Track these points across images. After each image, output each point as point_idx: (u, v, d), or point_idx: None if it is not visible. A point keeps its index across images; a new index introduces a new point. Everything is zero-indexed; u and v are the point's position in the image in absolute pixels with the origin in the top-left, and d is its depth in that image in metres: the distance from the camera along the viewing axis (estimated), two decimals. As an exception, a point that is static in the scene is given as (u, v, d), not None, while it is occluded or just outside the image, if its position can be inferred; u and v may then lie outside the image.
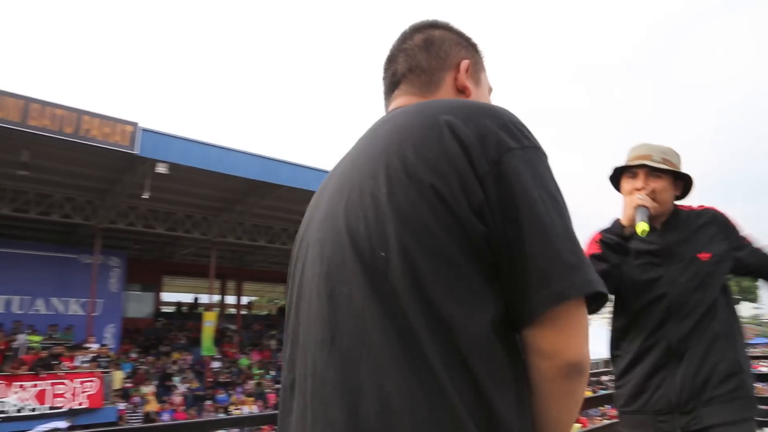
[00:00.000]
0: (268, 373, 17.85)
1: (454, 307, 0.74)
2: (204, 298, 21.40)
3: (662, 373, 1.88)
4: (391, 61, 1.06)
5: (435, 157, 0.79)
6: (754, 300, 53.98)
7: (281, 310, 25.20)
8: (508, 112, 0.85)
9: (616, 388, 2.03)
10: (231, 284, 23.29)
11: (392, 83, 1.05)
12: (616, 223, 1.98)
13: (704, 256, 1.90)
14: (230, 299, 24.34)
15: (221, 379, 16.38)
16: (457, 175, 0.77)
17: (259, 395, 16.17)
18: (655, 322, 1.90)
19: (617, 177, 2.06)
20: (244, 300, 24.46)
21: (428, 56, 1.02)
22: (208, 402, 14.76)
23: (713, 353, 1.83)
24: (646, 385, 1.90)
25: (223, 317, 21.63)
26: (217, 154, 12.89)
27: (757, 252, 1.97)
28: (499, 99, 1.12)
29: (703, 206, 2.04)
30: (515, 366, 0.77)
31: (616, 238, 1.93)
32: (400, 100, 1.03)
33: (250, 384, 16.69)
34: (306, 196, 14.69)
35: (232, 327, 20.51)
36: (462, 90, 1.02)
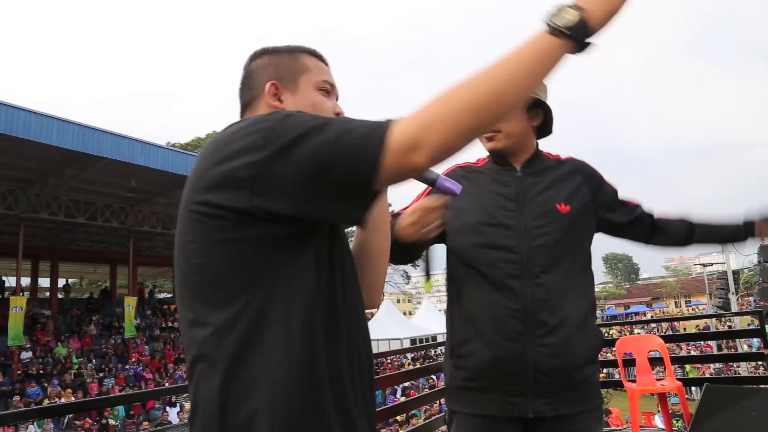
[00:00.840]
0: (90, 362, 16.46)
1: None
2: (11, 281, 19.04)
3: (516, 345, 1.58)
4: (240, 90, 1.21)
5: None
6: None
7: (104, 292, 23.30)
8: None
9: (454, 359, 1.71)
10: (44, 265, 20.93)
11: (242, 113, 1.20)
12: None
13: (563, 207, 1.66)
14: (44, 282, 21.93)
15: (33, 371, 14.76)
16: None
17: (79, 386, 14.85)
18: (505, 285, 1.61)
19: None
20: (61, 282, 22.14)
21: (249, 91, 1.18)
22: (17, 398, 13.23)
23: (572, 325, 1.59)
24: (497, 359, 1.59)
25: (36, 302, 19.49)
26: (25, 119, 11.38)
27: (627, 205, 1.83)
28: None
29: (570, 157, 1.82)
30: None
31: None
32: None
33: (69, 374, 15.26)
34: (131, 170, 13.75)
35: (46, 312, 18.52)
36: (273, 106, 1.14)
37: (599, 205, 1.75)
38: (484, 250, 1.65)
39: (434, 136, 0.84)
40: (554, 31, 0.85)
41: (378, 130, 0.87)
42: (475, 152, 1.80)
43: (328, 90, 1.20)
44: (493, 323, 1.60)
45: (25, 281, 22.12)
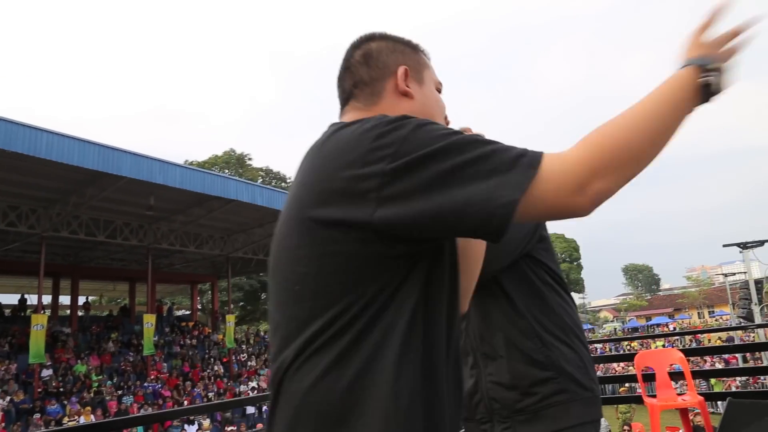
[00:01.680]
0: (109, 379, 16.58)
1: None
2: (33, 299, 19.32)
3: (474, 372, 1.67)
4: (339, 80, 1.13)
5: None
6: (580, 291, 60.51)
7: (123, 309, 23.51)
8: None
9: None
10: (65, 283, 21.20)
11: (343, 100, 1.12)
12: None
13: None
14: (65, 299, 22.20)
15: (52, 388, 14.90)
16: None
17: (98, 403, 14.95)
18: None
19: None
20: (81, 300, 22.40)
21: (368, 69, 1.09)
22: (37, 415, 13.35)
23: (510, 353, 1.61)
24: (466, 392, 1.68)
25: (56, 319, 19.72)
26: (47, 140, 11.61)
27: None
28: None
29: None
30: None
31: None
32: (348, 115, 1.10)
33: (88, 392, 15.38)
34: (150, 188, 13.93)
35: (66, 330, 18.72)
36: (404, 94, 1.08)
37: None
38: None
39: (606, 184, 0.82)
40: (703, 91, 0.89)
41: (526, 159, 0.83)
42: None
43: (440, 90, 1.18)
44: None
45: (47, 299, 22.45)
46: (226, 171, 33.31)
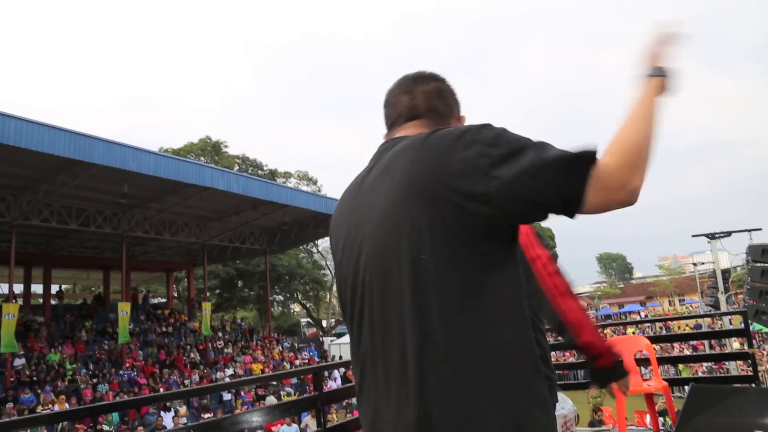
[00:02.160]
0: (85, 368, 16.42)
1: None
2: (4, 288, 19.00)
3: None
4: (407, 93, 1.37)
5: None
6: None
7: (97, 298, 23.23)
8: None
9: None
10: (37, 271, 20.86)
11: (412, 115, 1.35)
12: None
13: None
14: (37, 288, 21.85)
15: (26, 378, 14.72)
16: None
17: (73, 392, 14.80)
18: None
19: None
20: (54, 289, 22.07)
21: (442, 103, 1.36)
22: (10, 405, 13.18)
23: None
24: None
25: (28, 308, 19.44)
26: (15, 127, 11.36)
27: None
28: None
29: None
30: None
31: None
32: (413, 130, 1.30)
33: (63, 381, 15.22)
34: (124, 176, 13.74)
35: (39, 319, 18.47)
36: None
37: None
38: None
39: (639, 181, 1.06)
40: (654, 74, 1.17)
41: (585, 157, 1.04)
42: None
43: None
44: None
45: (18, 288, 22.04)
46: (202, 158, 32.93)
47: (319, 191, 36.62)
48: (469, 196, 1.05)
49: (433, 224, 1.08)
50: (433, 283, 1.07)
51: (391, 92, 1.41)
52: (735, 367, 13.37)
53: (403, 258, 1.11)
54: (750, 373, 4.91)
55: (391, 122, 1.40)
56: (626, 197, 1.05)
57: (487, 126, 1.12)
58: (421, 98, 1.35)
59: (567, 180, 1.03)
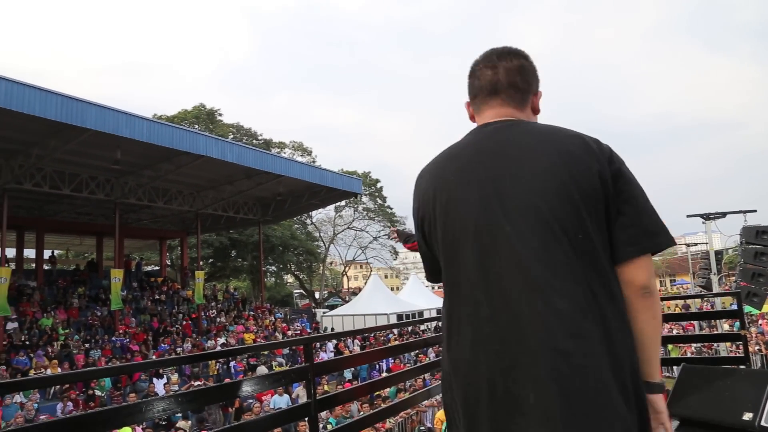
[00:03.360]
0: (77, 334, 16.45)
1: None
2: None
3: None
4: (491, 68, 1.46)
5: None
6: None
7: (90, 264, 23.19)
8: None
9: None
10: (30, 236, 20.75)
11: (494, 89, 1.46)
12: None
13: None
14: (30, 253, 21.76)
15: (18, 341, 14.74)
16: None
17: (65, 357, 14.86)
18: None
19: None
20: (47, 254, 22.00)
21: (522, 80, 1.45)
22: (2, 367, 13.22)
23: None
24: None
25: (21, 273, 19.38)
26: (5, 88, 11.13)
27: None
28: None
29: None
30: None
31: None
32: (501, 110, 1.46)
33: (55, 345, 15.26)
34: (117, 141, 13.57)
35: (32, 284, 18.44)
36: (536, 111, 1.50)
37: None
38: None
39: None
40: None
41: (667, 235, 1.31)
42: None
43: None
44: None
45: (11, 252, 21.93)
46: (196, 126, 32.63)
47: (314, 162, 36.43)
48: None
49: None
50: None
51: (476, 64, 1.50)
52: (724, 348, 13.51)
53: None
54: (741, 355, 4.92)
55: (474, 94, 1.51)
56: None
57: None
58: (503, 74, 1.45)
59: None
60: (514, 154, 1.33)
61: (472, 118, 1.53)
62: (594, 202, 1.26)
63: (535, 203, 1.27)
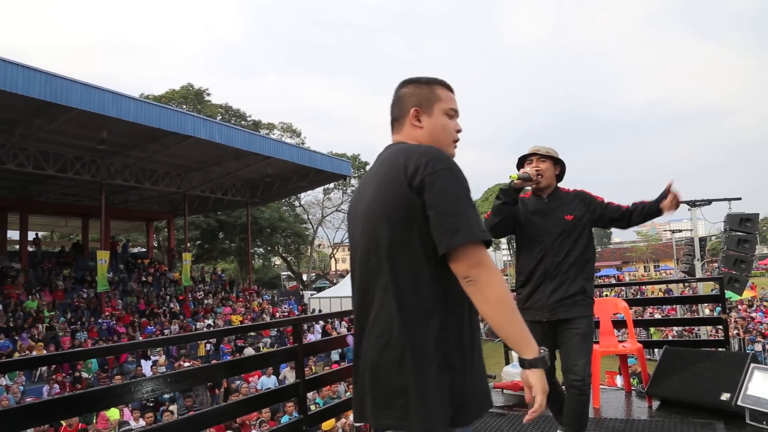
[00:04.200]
0: (63, 316, 16.35)
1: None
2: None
3: (541, 287, 3.10)
4: (391, 106, 1.76)
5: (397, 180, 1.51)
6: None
7: (76, 246, 22.99)
8: (430, 152, 1.53)
9: (516, 294, 3.20)
10: (13, 217, 20.50)
11: (392, 123, 1.76)
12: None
13: (569, 217, 3.09)
14: (13, 234, 21.52)
15: (2, 324, 14.62)
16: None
17: (51, 339, 14.79)
18: (538, 257, 3.11)
19: (522, 162, 3.23)
20: (31, 235, 21.76)
21: (398, 110, 1.72)
22: (-14, 349, 13.14)
23: (568, 278, 3.05)
24: (532, 293, 3.13)
25: (4, 254, 19.18)
26: (-13, 66, 10.93)
27: (610, 207, 3.19)
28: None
29: (575, 189, 3.24)
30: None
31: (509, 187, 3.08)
32: (394, 137, 1.74)
33: (40, 327, 15.16)
34: (102, 121, 13.39)
35: (16, 266, 18.26)
36: (415, 126, 1.69)
37: (593, 212, 3.17)
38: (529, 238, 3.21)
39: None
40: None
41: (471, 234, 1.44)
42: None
43: (452, 115, 1.72)
44: (531, 275, 3.16)
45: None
46: (184, 106, 32.24)
47: (303, 144, 36.22)
48: None
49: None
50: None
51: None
52: (705, 332, 13.75)
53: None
54: (722, 338, 5.02)
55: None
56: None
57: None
58: (391, 108, 1.74)
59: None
60: (372, 172, 1.66)
61: None
62: (401, 213, 1.48)
63: (364, 214, 1.61)
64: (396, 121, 1.72)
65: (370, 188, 1.62)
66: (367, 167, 41.68)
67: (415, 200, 1.47)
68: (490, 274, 1.41)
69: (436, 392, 1.43)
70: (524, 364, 1.47)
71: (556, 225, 3.11)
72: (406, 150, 1.56)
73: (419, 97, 1.68)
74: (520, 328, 1.44)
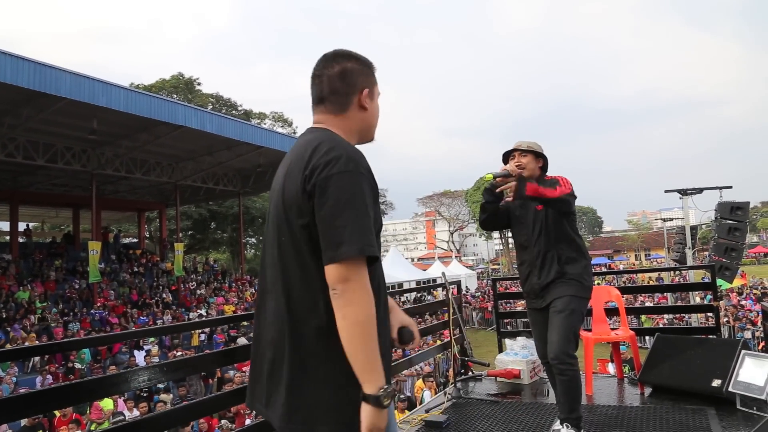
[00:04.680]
0: (55, 307, 16.28)
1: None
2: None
3: (529, 277, 3.28)
4: (317, 78, 1.58)
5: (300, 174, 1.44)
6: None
7: (67, 236, 22.85)
8: (335, 151, 1.42)
9: (521, 285, 3.43)
10: (3, 208, 20.33)
11: (318, 99, 1.58)
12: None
13: (539, 207, 3.20)
14: (3, 225, 21.36)
15: (-7, 315, 14.55)
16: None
17: (43, 330, 14.72)
18: (524, 248, 3.30)
19: (506, 158, 3.31)
20: (21, 226, 21.59)
21: (345, 86, 1.55)
22: (-22, 341, 13.08)
23: (546, 264, 3.17)
24: (525, 283, 3.33)
25: (-5, 245, 19.04)
26: (-25, 55, 10.78)
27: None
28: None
29: (554, 177, 3.20)
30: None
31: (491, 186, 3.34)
32: (320, 116, 1.59)
33: (32, 318, 15.09)
34: (93, 111, 13.26)
35: (7, 257, 18.14)
36: (363, 107, 1.58)
37: None
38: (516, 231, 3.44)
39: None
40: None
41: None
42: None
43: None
44: (521, 266, 3.37)
45: (-17, 224, 21.53)
46: (175, 96, 31.98)
47: (295, 133, 36.06)
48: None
49: None
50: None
51: (312, 71, 1.60)
52: (696, 320, 13.88)
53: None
54: (713, 325, 5.07)
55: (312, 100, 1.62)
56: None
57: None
58: (326, 83, 1.56)
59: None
60: (287, 160, 1.56)
61: None
62: (296, 211, 1.44)
63: (273, 205, 1.56)
64: (335, 96, 1.56)
65: (281, 174, 1.55)
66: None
67: (306, 205, 1.42)
68: (356, 294, 1.34)
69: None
70: (364, 397, 1.34)
71: (532, 216, 3.26)
72: (317, 144, 1.46)
73: (366, 77, 1.60)
74: (370, 357, 1.34)
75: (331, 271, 1.36)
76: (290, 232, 1.46)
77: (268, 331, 1.53)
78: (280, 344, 1.48)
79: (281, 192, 1.50)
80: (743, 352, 3.61)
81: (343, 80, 1.55)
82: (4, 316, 14.68)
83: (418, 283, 30.28)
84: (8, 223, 20.31)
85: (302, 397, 1.43)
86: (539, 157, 3.29)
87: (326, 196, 1.38)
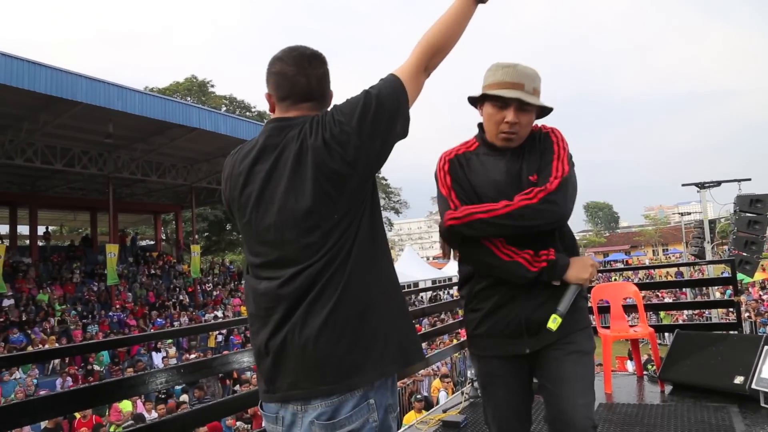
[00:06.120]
0: (74, 310, 16.49)
1: None
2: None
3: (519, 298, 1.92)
4: (300, 76, 1.53)
5: None
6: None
7: (85, 239, 23.12)
8: None
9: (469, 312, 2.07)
10: (23, 212, 20.63)
11: (303, 97, 1.55)
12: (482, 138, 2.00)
13: (533, 177, 1.88)
14: (23, 229, 21.65)
15: (15, 318, 14.77)
16: None
17: (63, 333, 14.92)
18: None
19: (475, 102, 1.97)
20: (41, 230, 21.89)
21: (326, 87, 1.60)
22: (0, 344, 13.28)
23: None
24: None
25: (15, 249, 19.31)
26: (-7, 62, 10.94)
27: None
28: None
29: (545, 128, 1.98)
30: None
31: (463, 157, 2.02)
32: (298, 113, 1.54)
33: (52, 321, 15.30)
34: (108, 115, 13.40)
35: (27, 260, 18.39)
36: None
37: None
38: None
39: (436, 62, 1.61)
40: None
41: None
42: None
43: None
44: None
45: (4, 229, 21.86)
46: (188, 98, 32.22)
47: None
48: None
49: None
50: None
51: (283, 64, 1.53)
52: (716, 315, 13.69)
53: None
54: (734, 320, 4.99)
55: (284, 96, 1.55)
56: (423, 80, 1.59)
57: None
58: (315, 83, 1.56)
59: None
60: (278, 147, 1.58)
61: (273, 109, 1.62)
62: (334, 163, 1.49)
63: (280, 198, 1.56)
64: (323, 98, 1.60)
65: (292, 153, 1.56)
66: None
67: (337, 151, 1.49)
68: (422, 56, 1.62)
69: None
70: None
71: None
72: (312, 117, 1.55)
73: (329, 82, 1.63)
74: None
75: (400, 73, 1.53)
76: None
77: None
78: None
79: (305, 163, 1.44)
80: (766, 347, 3.54)
81: (326, 83, 1.61)
82: (25, 319, 14.89)
83: (433, 282, 30.21)
84: (28, 227, 20.61)
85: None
86: (545, 113, 1.99)
87: (354, 111, 1.45)
